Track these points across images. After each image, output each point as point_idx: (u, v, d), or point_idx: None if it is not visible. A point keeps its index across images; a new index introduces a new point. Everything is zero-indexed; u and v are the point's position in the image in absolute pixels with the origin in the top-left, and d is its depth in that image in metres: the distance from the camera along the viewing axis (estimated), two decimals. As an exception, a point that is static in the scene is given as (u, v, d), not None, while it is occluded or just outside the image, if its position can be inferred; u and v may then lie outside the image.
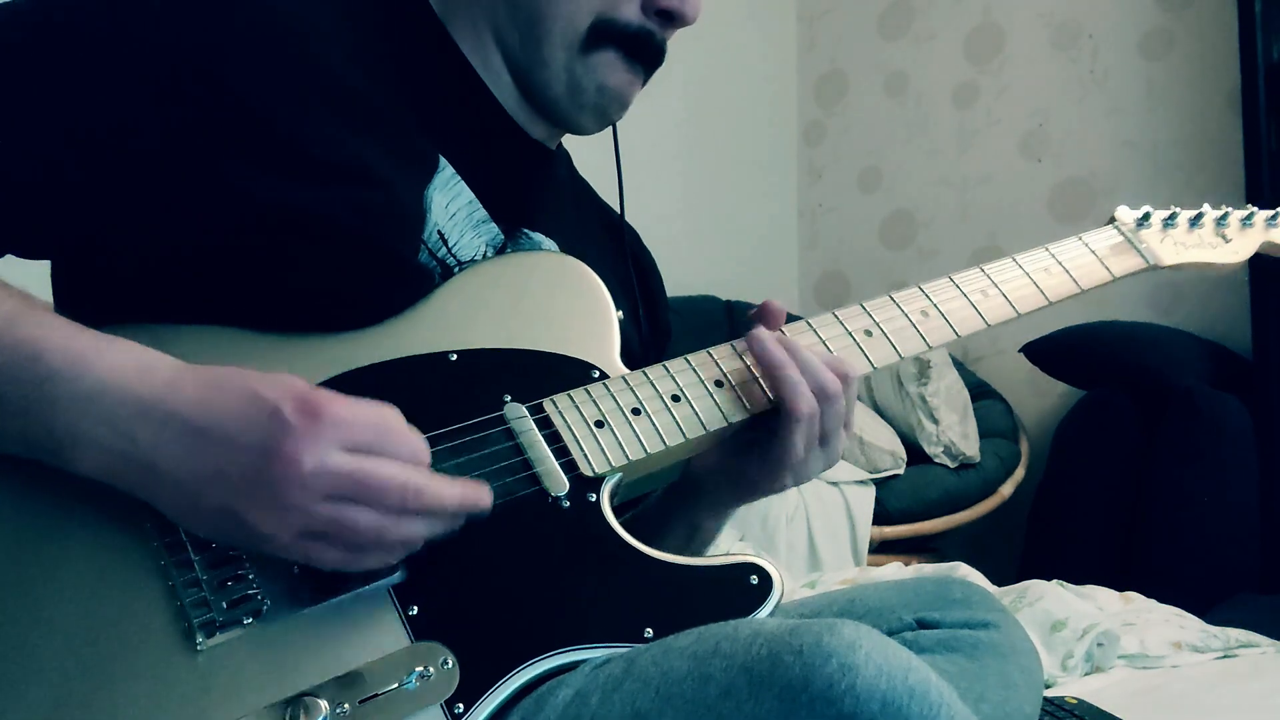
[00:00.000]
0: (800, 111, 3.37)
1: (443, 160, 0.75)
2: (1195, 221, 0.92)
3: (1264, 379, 2.24)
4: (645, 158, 2.88)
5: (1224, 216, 0.93)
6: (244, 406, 0.56)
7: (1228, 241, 0.92)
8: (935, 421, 2.44)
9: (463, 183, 0.76)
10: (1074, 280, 0.85)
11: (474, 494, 0.60)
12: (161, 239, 0.67)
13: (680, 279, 2.94)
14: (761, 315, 0.77)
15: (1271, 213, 0.95)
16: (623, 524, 0.67)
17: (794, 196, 3.37)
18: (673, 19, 0.77)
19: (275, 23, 0.69)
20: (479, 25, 0.78)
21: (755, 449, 0.74)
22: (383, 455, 0.57)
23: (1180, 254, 0.90)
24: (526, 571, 0.64)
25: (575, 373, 0.72)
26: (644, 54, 0.77)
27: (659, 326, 0.95)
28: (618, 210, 0.91)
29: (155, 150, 0.65)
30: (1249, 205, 0.96)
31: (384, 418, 0.59)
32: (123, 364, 0.58)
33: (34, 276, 0.69)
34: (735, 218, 3.18)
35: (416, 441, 0.59)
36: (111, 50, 0.65)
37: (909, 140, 3.10)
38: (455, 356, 0.70)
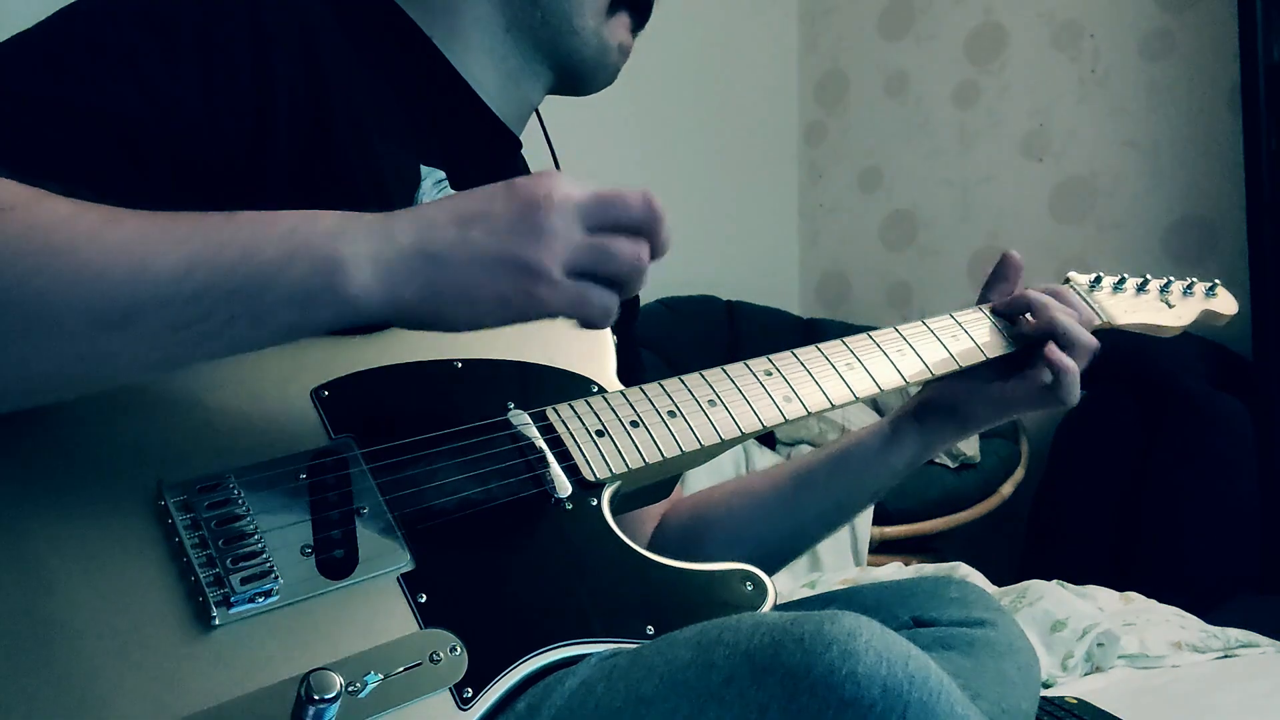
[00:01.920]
0: (801, 111, 3.38)
1: (426, 168, 0.78)
2: (1141, 287, 0.99)
3: (1264, 379, 2.24)
4: (645, 157, 2.88)
5: (1167, 284, 1.01)
6: (495, 189, 0.60)
7: (1171, 307, 1.00)
8: (936, 421, 2.44)
9: (448, 188, 0.79)
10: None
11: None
12: None
13: (680, 279, 2.94)
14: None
15: (1209, 284, 1.03)
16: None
17: (794, 196, 3.38)
18: None
19: (304, 26, 0.71)
20: (483, 21, 0.83)
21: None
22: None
23: (1129, 315, 0.97)
24: (531, 567, 0.65)
25: (575, 386, 0.76)
26: (645, 11, 0.89)
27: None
28: None
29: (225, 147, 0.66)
30: (1190, 277, 1.04)
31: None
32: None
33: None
34: (735, 218, 3.18)
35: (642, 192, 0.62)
36: (178, 50, 0.65)
37: (910, 140, 3.11)
38: (460, 365, 0.73)
